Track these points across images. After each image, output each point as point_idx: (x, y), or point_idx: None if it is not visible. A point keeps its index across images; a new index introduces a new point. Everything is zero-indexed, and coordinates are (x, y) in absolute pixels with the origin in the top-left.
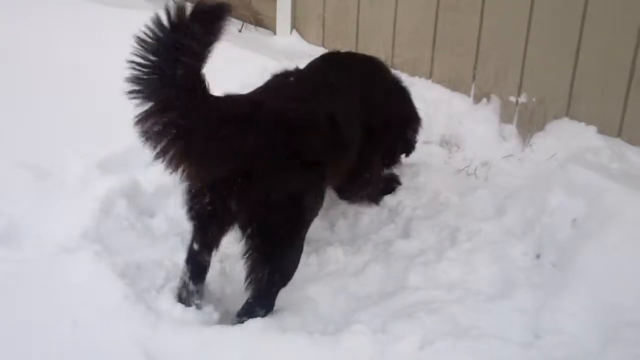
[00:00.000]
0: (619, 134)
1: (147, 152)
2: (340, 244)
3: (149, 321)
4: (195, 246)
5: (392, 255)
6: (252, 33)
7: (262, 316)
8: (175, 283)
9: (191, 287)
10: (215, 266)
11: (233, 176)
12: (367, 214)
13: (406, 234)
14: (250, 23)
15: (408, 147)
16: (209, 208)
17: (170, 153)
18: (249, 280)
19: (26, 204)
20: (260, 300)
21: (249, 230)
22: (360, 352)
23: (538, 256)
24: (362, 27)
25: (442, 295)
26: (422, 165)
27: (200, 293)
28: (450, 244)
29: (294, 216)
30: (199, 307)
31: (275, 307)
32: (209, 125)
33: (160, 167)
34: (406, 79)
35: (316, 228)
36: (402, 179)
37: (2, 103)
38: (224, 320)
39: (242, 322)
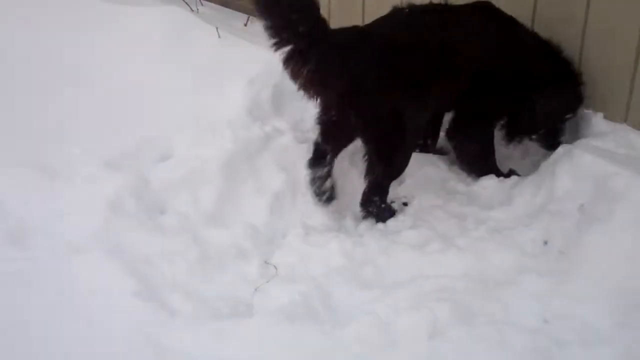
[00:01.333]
0: (625, 119)
1: (155, 149)
2: (348, 234)
3: (160, 318)
4: (319, 139)
5: (401, 244)
6: (258, 26)
7: (377, 206)
8: (186, 278)
9: (314, 174)
10: None
11: (348, 93)
12: None
13: (415, 223)
14: (256, 16)
15: (543, 121)
16: (333, 119)
17: (297, 71)
18: (367, 175)
19: (35, 204)
20: (375, 189)
21: (365, 137)
22: (370, 342)
23: (546, 242)
24: (368, 17)
25: (452, 284)
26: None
27: (323, 179)
28: (459, 232)
29: (398, 126)
30: (330, 197)
31: (286, 299)
32: (325, 51)
33: (169, 163)
34: None
35: (323, 218)
36: (408, 169)
37: (6, 103)
38: (234, 314)
39: (367, 213)
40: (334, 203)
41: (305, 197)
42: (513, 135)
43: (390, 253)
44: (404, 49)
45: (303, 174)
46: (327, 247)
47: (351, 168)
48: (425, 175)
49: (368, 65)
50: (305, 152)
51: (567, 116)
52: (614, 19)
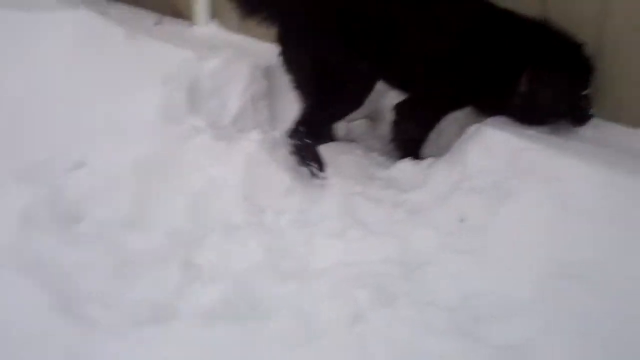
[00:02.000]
0: None
1: (68, 158)
2: (269, 229)
3: (81, 331)
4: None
5: (321, 234)
6: (170, 25)
7: (300, 138)
8: (105, 287)
9: None
10: None
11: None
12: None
13: (334, 211)
14: (167, 15)
15: (550, 108)
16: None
17: None
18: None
19: None
20: (302, 120)
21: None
22: (293, 335)
23: (462, 220)
24: None
25: (373, 268)
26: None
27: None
28: (378, 217)
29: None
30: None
31: (208, 300)
32: None
33: (83, 171)
34: None
35: (243, 214)
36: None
37: None
38: (157, 319)
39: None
40: (255, 198)
41: (225, 194)
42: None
43: (311, 243)
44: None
45: (222, 171)
46: (247, 243)
47: (271, 162)
48: (342, 162)
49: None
50: (225, 149)
51: (582, 93)
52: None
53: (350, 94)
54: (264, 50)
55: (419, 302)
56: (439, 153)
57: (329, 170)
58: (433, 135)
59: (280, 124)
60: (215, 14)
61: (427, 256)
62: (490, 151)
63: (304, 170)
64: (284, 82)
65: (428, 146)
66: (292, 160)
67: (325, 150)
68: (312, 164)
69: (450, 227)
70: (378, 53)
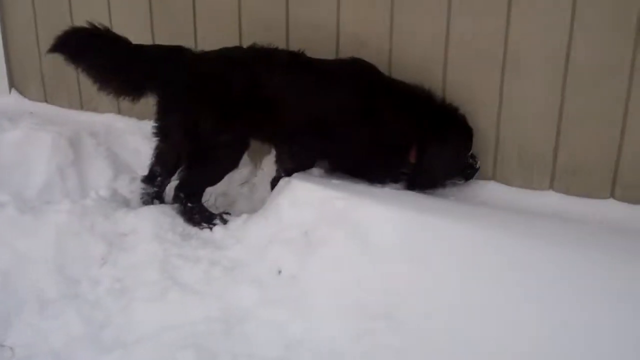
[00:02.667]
0: None
1: None
2: (85, 299)
3: None
4: (152, 159)
5: (139, 300)
6: None
7: (183, 203)
8: None
9: (144, 189)
10: None
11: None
12: None
13: (153, 274)
14: None
15: (443, 174)
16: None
17: None
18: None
19: None
20: (180, 185)
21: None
22: None
23: (280, 272)
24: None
25: (194, 329)
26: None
27: (151, 197)
28: (196, 277)
29: (196, 138)
30: None
31: None
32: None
33: None
34: (135, 123)
35: (58, 286)
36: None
37: None
38: None
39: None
40: (69, 269)
41: (36, 268)
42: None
43: (130, 311)
44: (211, 74)
45: (30, 244)
46: (64, 317)
47: (83, 231)
48: (158, 223)
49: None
50: (31, 222)
51: (468, 154)
52: None
53: (224, 159)
54: (69, 118)
55: (240, 356)
56: (254, 208)
57: (146, 232)
58: (246, 191)
59: (92, 192)
60: (14, 83)
61: (247, 310)
62: (300, 202)
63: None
64: (93, 149)
65: (242, 202)
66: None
67: (143, 213)
68: (204, 224)
69: (269, 279)
70: (259, 123)
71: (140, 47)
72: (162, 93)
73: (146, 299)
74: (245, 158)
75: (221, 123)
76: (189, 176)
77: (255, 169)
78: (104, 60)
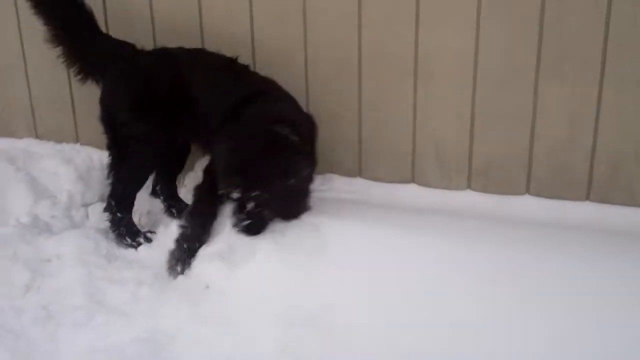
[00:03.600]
0: None
1: None
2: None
3: None
4: None
5: (64, 326)
6: None
7: (112, 212)
8: None
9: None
10: None
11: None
12: None
13: (78, 299)
14: None
15: None
16: None
17: None
18: None
19: None
20: (110, 193)
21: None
22: None
23: (207, 287)
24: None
25: (124, 350)
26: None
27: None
28: (123, 298)
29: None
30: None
31: None
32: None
33: None
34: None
35: None
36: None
37: None
38: None
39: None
40: None
41: None
42: None
43: (56, 338)
44: (137, 67)
45: None
46: None
47: (4, 259)
48: (82, 247)
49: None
50: None
51: None
52: None
53: (142, 153)
54: None
55: None
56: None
57: (69, 257)
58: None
59: (12, 219)
60: None
61: (176, 329)
62: None
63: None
64: (13, 175)
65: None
66: (111, 235)
67: (65, 238)
68: (128, 239)
69: (196, 296)
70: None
71: (102, 35)
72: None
73: (72, 324)
74: None
75: (135, 113)
76: (114, 178)
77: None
78: (68, 28)
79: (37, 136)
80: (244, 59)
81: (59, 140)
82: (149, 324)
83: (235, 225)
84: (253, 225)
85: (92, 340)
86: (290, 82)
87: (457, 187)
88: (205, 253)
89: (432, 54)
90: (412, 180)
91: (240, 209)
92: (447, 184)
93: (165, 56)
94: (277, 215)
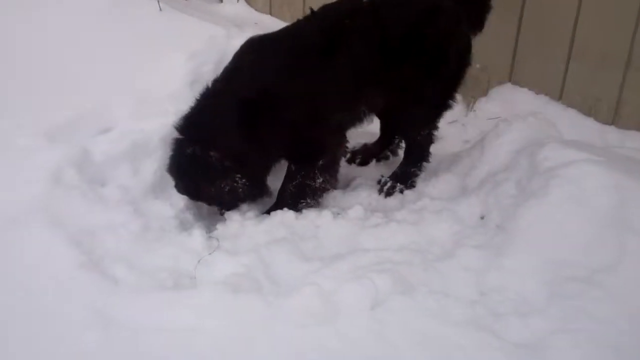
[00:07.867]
0: (560, 98)
1: (95, 121)
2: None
3: (105, 288)
4: None
5: (342, 219)
6: (199, 2)
7: None
8: (129, 249)
9: None
10: None
11: None
12: None
13: (356, 199)
14: None
15: None
16: None
17: None
18: None
19: None
20: None
21: None
22: (313, 312)
23: (482, 217)
24: None
25: (391, 256)
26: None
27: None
28: (399, 206)
29: None
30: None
31: (229, 271)
32: None
33: (110, 135)
34: None
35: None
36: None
37: None
38: (178, 285)
39: None
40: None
41: None
42: None
43: (331, 227)
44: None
45: None
46: (269, 220)
47: None
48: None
49: None
50: None
51: None
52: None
53: None
54: None
55: (437, 293)
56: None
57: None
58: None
59: None
60: None
61: (445, 249)
62: (516, 151)
63: None
64: None
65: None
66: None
67: None
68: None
69: (471, 222)
70: None
71: None
72: None
73: (348, 218)
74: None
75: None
76: None
77: (467, 109)
78: None
79: None
80: None
81: None
82: (418, 237)
83: None
84: None
85: (364, 239)
86: None
87: None
88: (488, 184)
89: None
90: None
91: None
92: None
93: None
94: None
